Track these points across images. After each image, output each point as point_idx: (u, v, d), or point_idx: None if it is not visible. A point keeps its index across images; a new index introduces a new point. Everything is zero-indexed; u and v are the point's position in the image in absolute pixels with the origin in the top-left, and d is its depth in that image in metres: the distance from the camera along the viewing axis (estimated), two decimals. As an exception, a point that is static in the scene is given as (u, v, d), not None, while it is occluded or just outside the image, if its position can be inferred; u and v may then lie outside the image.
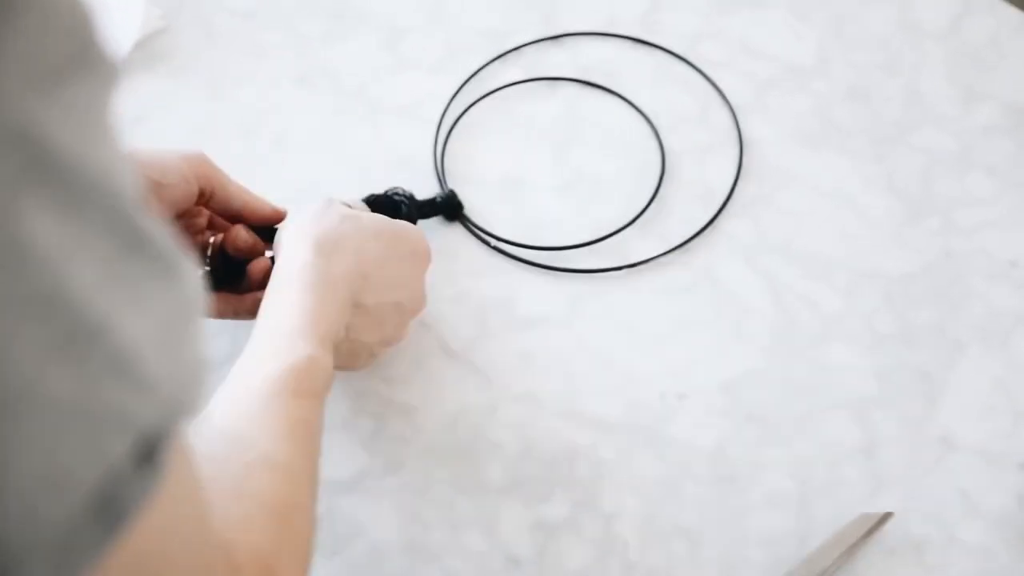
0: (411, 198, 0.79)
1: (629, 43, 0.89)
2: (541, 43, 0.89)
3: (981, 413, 0.74)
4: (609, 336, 0.77)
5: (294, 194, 0.82)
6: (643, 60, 0.88)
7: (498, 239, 0.80)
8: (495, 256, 0.80)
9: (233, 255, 0.72)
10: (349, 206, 0.72)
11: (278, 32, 0.90)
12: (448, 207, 0.81)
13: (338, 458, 0.73)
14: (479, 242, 0.81)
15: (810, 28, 0.88)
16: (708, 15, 0.89)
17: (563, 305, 0.78)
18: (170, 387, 0.35)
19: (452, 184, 0.83)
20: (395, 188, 0.79)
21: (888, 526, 0.69)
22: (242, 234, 0.71)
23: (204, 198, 0.71)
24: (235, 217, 0.72)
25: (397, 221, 0.71)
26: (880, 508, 0.71)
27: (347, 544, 0.70)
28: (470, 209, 0.82)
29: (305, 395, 0.59)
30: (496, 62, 0.88)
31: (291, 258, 0.65)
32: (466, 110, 0.86)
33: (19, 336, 0.30)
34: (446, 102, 0.86)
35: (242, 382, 0.59)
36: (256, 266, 0.72)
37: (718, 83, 0.86)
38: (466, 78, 0.87)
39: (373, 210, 0.76)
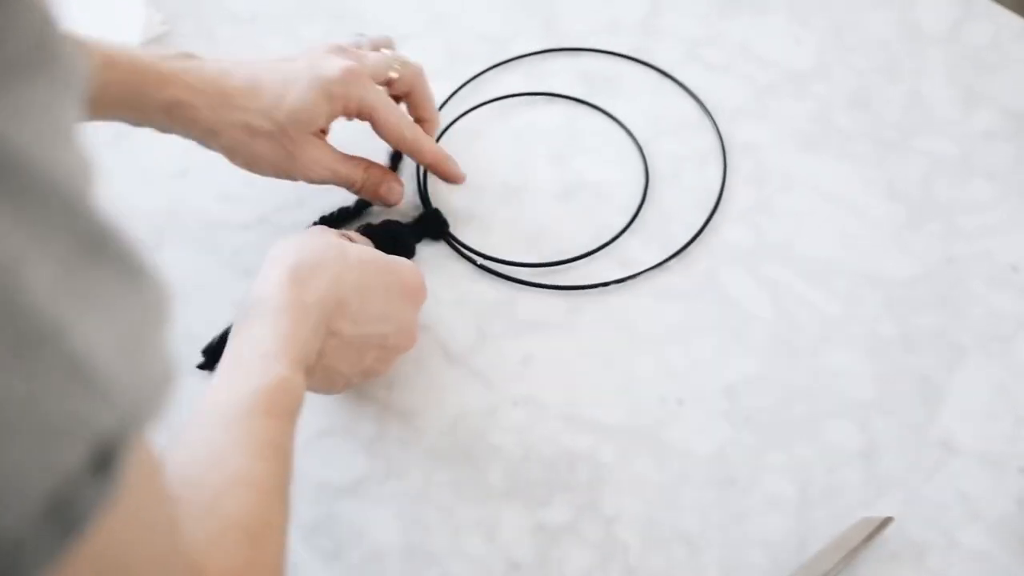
0: (397, 227, 0.79)
1: (627, 50, 0.89)
2: (540, 52, 0.89)
3: (982, 417, 0.74)
4: (609, 340, 0.77)
5: (294, 200, 0.82)
6: (640, 69, 0.88)
7: (487, 257, 0.80)
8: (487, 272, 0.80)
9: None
10: (349, 237, 0.73)
11: (278, 36, 0.90)
12: (432, 226, 0.80)
13: (339, 462, 0.73)
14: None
15: (810, 33, 0.88)
16: (708, 20, 0.89)
17: (563, 310, 0.78)
18: (130, 394, 0.34)
19: (448, 191, 0.83)
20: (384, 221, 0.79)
21: (888, 530, 0.69)
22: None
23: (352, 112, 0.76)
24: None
25: (391, 256, 0.71)
26: (880, 512, 0.70)
27: (348, 548, 0.70)
28: (465, 216, 0.82)
29: (277, 416, 0.59)
30: (493, 70, 0.88)
31: (264, 281, 0.65)
32: (456, 120, 0.86)
33: None
34: (442, 105, 0.86)
35: (215, 401, 0.59)
36: None
37: (713, 90, 0.86)
38: (461, 84, 0.88)
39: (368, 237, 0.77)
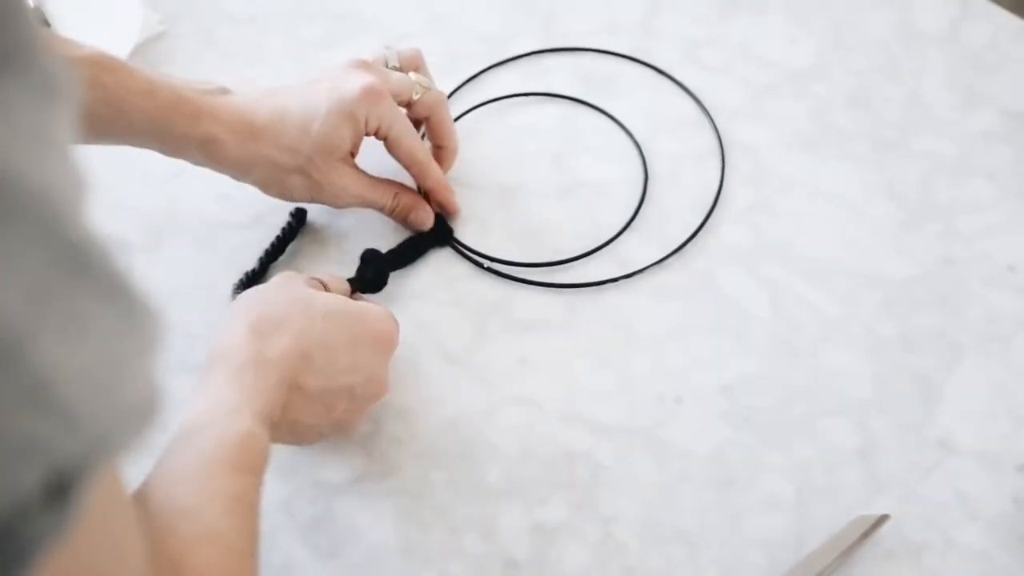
0: (403, 247, 0.79)
1: (626, 50, 0.89)
2: (539, 51, 0.89)
3: (980, 417, 0.74)
4: (607, 340, 0.77)
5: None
6: (639, 68, 0.88)
7: (491, 259, 0.80)
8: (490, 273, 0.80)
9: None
10: (323, 283, 0.72)
11: (277, 37, 0.90)
12: (438, 234, 0.81)
13: (336, 461, 0.73)
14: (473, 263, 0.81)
15: (809, 34, 0.89)
16: (707, 20, 0.90)
17: (561, 309, 0.78)
18: (99, 422, 0.32)
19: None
20: (372, 250, 0.79)
21: (885, 529, 0.69)
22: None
23: (376, 132, 0.76)
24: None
25: (361, 304, 0.70)
26: (877, 511, 0.70)
27: (345, 547, 0.70)
28: (466, 215, 0.82)
29: (243, 472, 0.58)
30: (492, 70, 0.88)
31: (226, 335, 0.64)
32: (455, 119, 0.86)
33: None
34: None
35: (182, 455, 0.58)
36: None
37: (712, 90, 0.86)
38: (460, 83, 0.88)
39: (376, 280, 0.77)
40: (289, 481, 0.72)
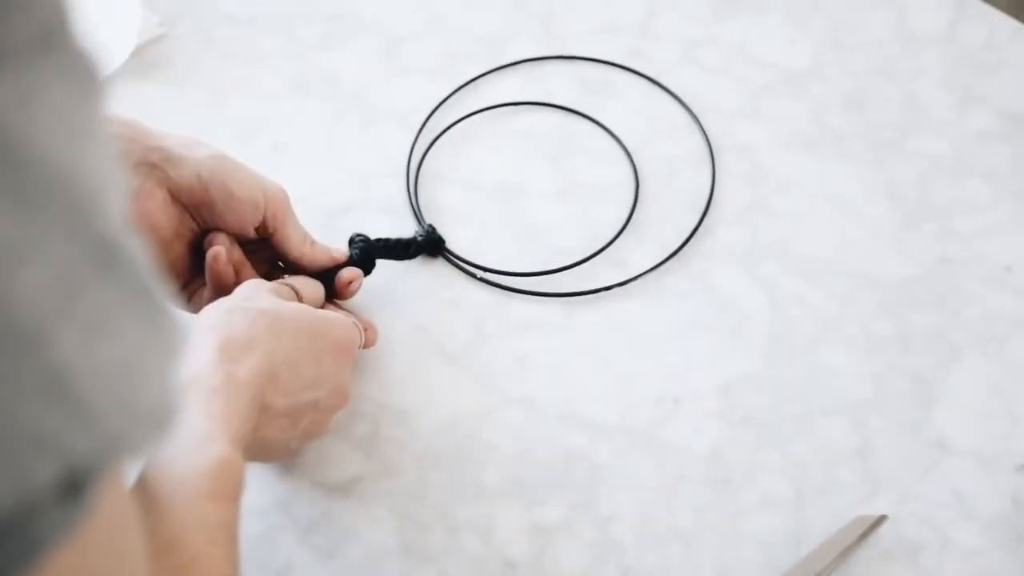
0: (391, 243, 0.79)
1: (624, 54, 0.89)
2: (536, 59, 0.90)
3: (977, 416, 0.74)
4: (605, 340, 0.77)
5: (292, 200, 0.82)
6: (635, 75, 0.88)
7: (485, 269, 0.80)
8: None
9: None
10: (295, 288, 0.71)
11: (276, 38, 0.90)
12: (430, 245, 0.80)
13: (335, 462, 0.73)
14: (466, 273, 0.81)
15: (806, 34, 0.89)
16: (705, 22, 0.90)
17: (559, 311, 0.78)
18: (115, 422, 0.31)
19: (442, 194, 0.83)
20: (362, 235, 0.77)
21: (883, 529, 0.69)
22: (220, 257, 0.72)
23: (267, 232, 0.72)
24: (291, 262, 0.74)
25: (325, 314, 0.69)
26: (875, 511, 0.71)
27: (343, 547, 0.70)
28: (460, 218, 0.82)
29: (221, 499, 0.57)
30: (489, 75, 0.89)
31: (195, 360, 0.62)
32: (451, 125, 0.86)
33: None
34: (435, 110, 0.87)
35: (158, 484, 0.57)
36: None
37: (709, 91, 0.87)
38: (457, 87, 0.88)
39: (363, 257, 0.76)
40: (289, 481, 0.72)
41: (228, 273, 0.71)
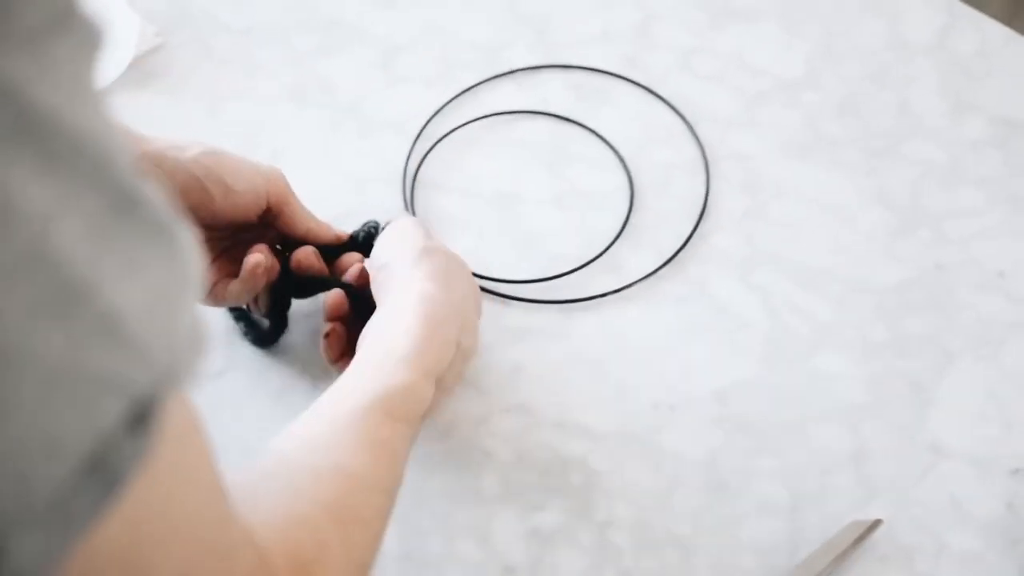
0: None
1: (618, 62, 0.90)
2: (531, 68, 0.90)
3: (972, 421, 0.75)
4: (601, 347, 0.78)
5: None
6: (630, 83, 0.89)
7: (482, 277, 0.80)
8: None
9: (297, 274, 0.73)
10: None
11: (273, 47, 0.91)
12: None
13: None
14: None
15: (800, 42, 0.89)
16: (699, 29, 0.90)
17: (555, 318, 0.79)
18: (163, 353, 0.34)
19: (440, 201, 0.84)
20: (371, 222, 0.77)
21: (878, 533, 0.70)
22: (310, 257, 0.73)
23: (271, 215, 0.73)
24: (298, 240, 0.74)
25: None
26: (871, 515, 0.71)
27: (342, 554, 0.70)
28: (458, 225, 0.82)
29: (397, 419, 0.59)
30: (485, 83, 0.89)
31: (408, 285, 0.64)
32: (448, 133, 0.86)
33: (4, 296, 0.30)
34: (431, 118, 0.87)
35: (336, 397, 0.59)
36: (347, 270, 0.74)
37: (703, 99, 0.87)
38: (454, 95, 0.88)
39: (367, 240, 0.75)
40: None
41: (264, 278, 0.72)
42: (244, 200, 0.71)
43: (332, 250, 0.75)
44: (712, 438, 0.74)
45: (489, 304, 0.79)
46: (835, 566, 0.68)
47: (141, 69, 0.89)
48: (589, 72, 0.90)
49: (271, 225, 0.74)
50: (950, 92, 0.86)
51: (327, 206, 0.82)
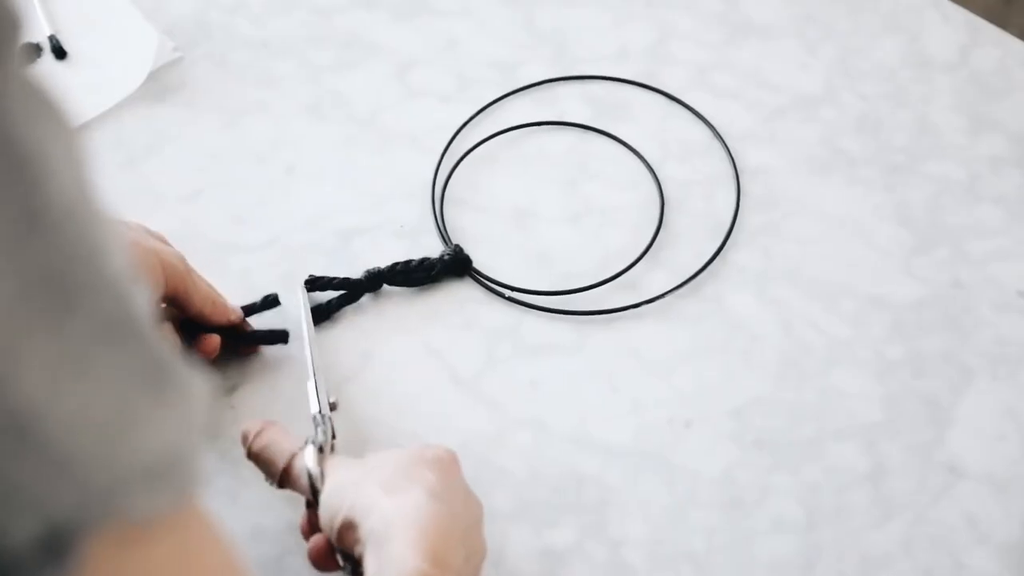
0: (412, 266, 0.79)
1: (636, 77, 0.90)
2: (550, 80, 0.90)
3: (990, 440, 0.74)
4: (617, 363, 0.77)
5: (303, 223, 0.83)
6: (649, 94, 0.89)
7: (509, 287, 0.80)
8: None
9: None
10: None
11: (290, 62, 0.91)
12: (456, 265, 0.81)
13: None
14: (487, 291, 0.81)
15: (818, 59, 0.89)
16: (716, 45, 0.90)
17: (571, 333, 0.79)
18: (104, 474, 0.29)
19: (461, 217, 0.84)
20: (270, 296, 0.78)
21: (895, 551, 0.69)
22: (213, 343, 0.74)
23: (167, 299, 0.72)
24: (193, 318, 0.74)
25: (408, 452, 0.64)
26: (888, 535, 0.70)
27: (354, 568, 0.70)
28: (480, 240, 0.82)
29: None
30: (505, 99, 0.89)
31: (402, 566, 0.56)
32: (470, 150, 0.86)
33: None
34: (457, 132, 0.87)
35: None
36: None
37: (721, 115, 0.87)
38: (476, 111, 0.89)
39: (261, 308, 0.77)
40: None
41: None
42: None
43: (230, 330, 0.76)
44: (727, 455, 0.74)
45: (506, 320, 0.79)
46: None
47: (159, 83, 0.89)
48: (609, 83, 0.90)
49: (170, 304, 0.73)
50: (969, 110, 0.86)
51: (341, 220, 0.83)
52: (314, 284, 0.79)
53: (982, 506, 0.72)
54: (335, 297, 0.79)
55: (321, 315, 0.78)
